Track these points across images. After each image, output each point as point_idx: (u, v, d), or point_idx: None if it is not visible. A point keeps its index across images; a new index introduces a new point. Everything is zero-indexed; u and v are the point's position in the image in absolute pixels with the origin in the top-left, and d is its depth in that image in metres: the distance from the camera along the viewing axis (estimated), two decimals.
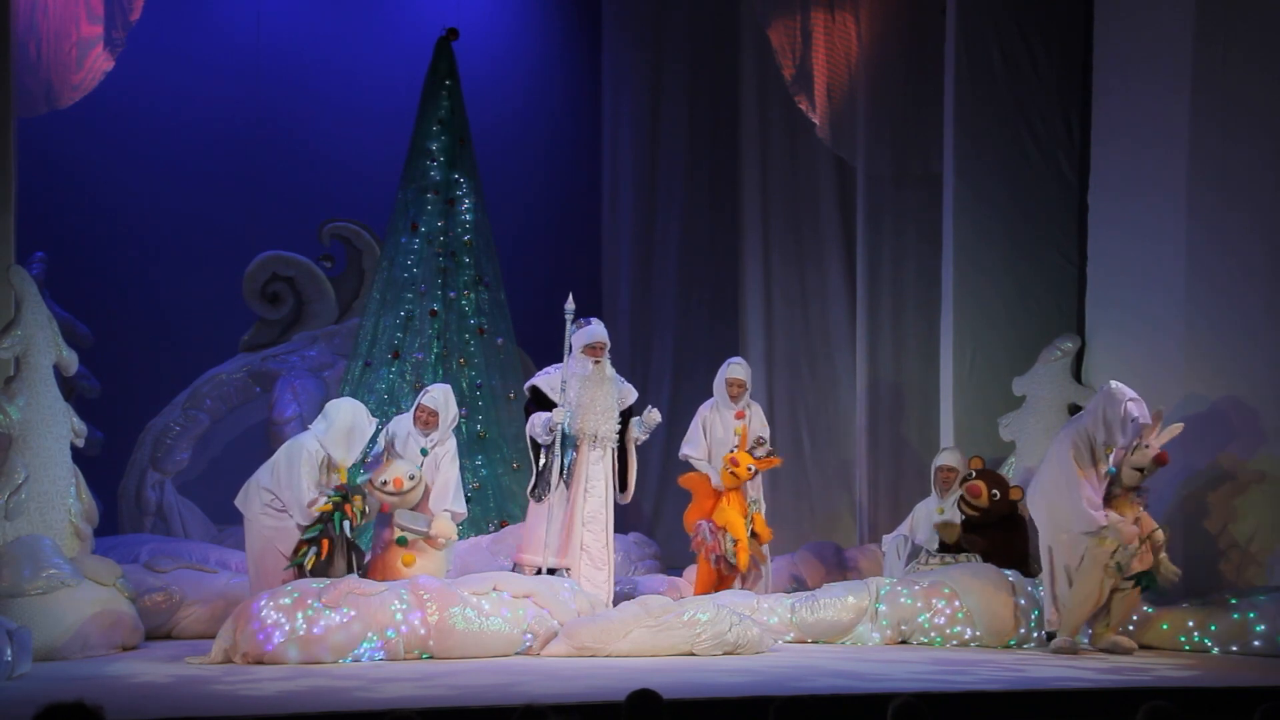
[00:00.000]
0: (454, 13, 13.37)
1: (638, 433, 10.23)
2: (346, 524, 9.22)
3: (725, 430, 10.68)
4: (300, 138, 14.06)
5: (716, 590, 10.21)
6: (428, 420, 9.87)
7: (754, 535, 10.47)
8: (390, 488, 9.55)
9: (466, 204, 12.46)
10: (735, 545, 10.31)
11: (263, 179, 13.93)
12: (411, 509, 9.65)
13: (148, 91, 13.56)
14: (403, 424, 9.97)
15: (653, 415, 10.20)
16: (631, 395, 10.34)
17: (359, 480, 9.65)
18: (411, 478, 9.61)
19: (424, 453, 9.79)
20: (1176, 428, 9.59)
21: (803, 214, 13.82)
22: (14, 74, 10.26)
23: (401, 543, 9.61)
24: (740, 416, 10.72)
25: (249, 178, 13.89)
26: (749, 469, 10.40)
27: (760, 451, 10.52)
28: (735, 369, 10.87)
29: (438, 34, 12.64)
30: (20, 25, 10.59)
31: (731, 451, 10.47)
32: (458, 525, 9.95)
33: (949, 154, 11.80)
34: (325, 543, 9.14)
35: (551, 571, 9.84)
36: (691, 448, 10.74)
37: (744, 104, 14.10)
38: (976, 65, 11.70)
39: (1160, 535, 9.50)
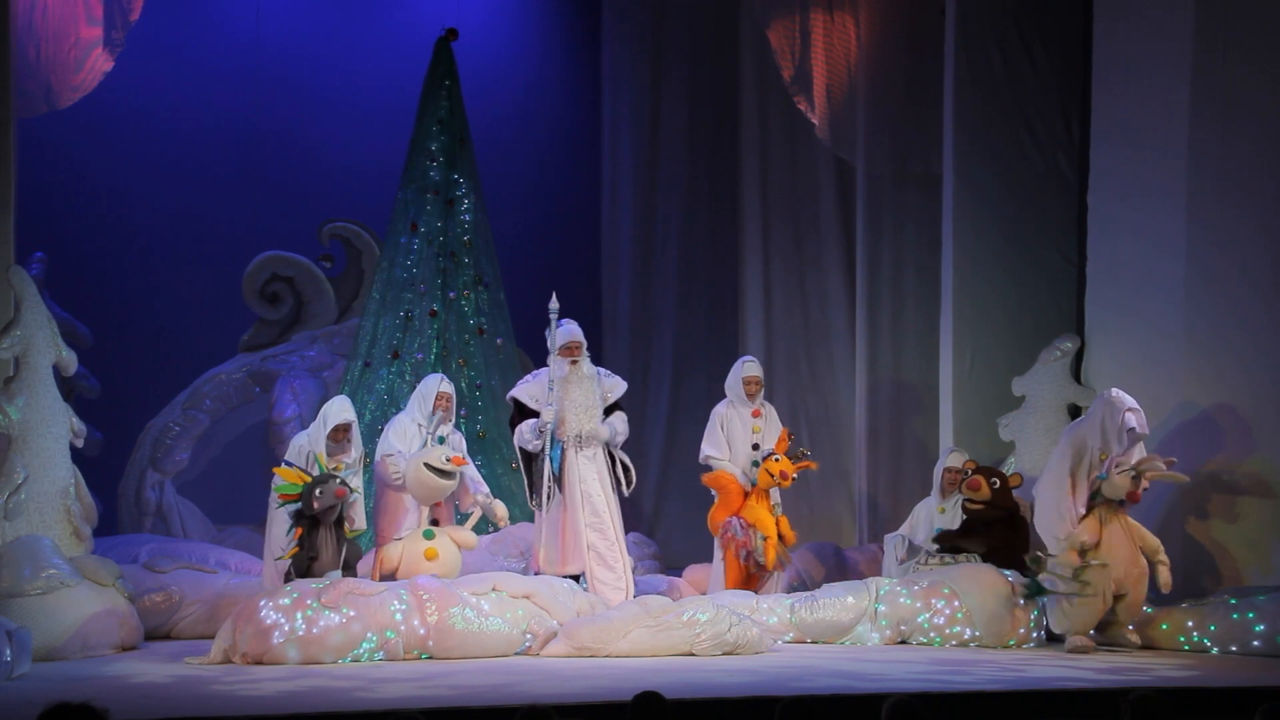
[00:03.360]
0: (454, 13, 13.37)
1: (605, 435, 10.20)
2: (311, 502, 9.12)
3: (744, 429, 10.68)
4: (300, 138, 14.06)
5: (748, 588, 10.25)
6: (448, 406, 10.00)
7: (780, 537, 10.49)
8: (453, 465, 9.60)
9: (466, 204, 12.46)
10: (765, 542, 10.32)
11: (263, 179, 13.92)
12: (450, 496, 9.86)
13: (148, 91, 13.55)
14: (406, 423, 9.97)
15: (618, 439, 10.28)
16: (619, 387, 10.35)
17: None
18: (472, 478, 9.82)
19: (441, 440, 9.84)
20: (1180, 478, 9.68)
21: (803, 214, 13.83)
22: (14, 75, 10.28)
23: (429, 535, 9.64)
24: (757, 415, 10.72)
25: (249, 178, 13.89)
26: (793, 476, 10.42)
27: (798, 453, 10.55)
28: (751, 367, 10.88)
29: (437, 34, 12.64)
30: (20, 26, 10.60)
31: (776, 459, 10.43)
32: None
33: (949, 154, 11.80)
34: (298, 530, 9.12)
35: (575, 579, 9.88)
36: (713, 448, 10.72)
37: (744, 104, 14.10)
38: (976, 65, 11.69)
39: (1160, 558, 9.61)
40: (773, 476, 10.38)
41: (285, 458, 9.60)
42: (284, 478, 9.23)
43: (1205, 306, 10.42)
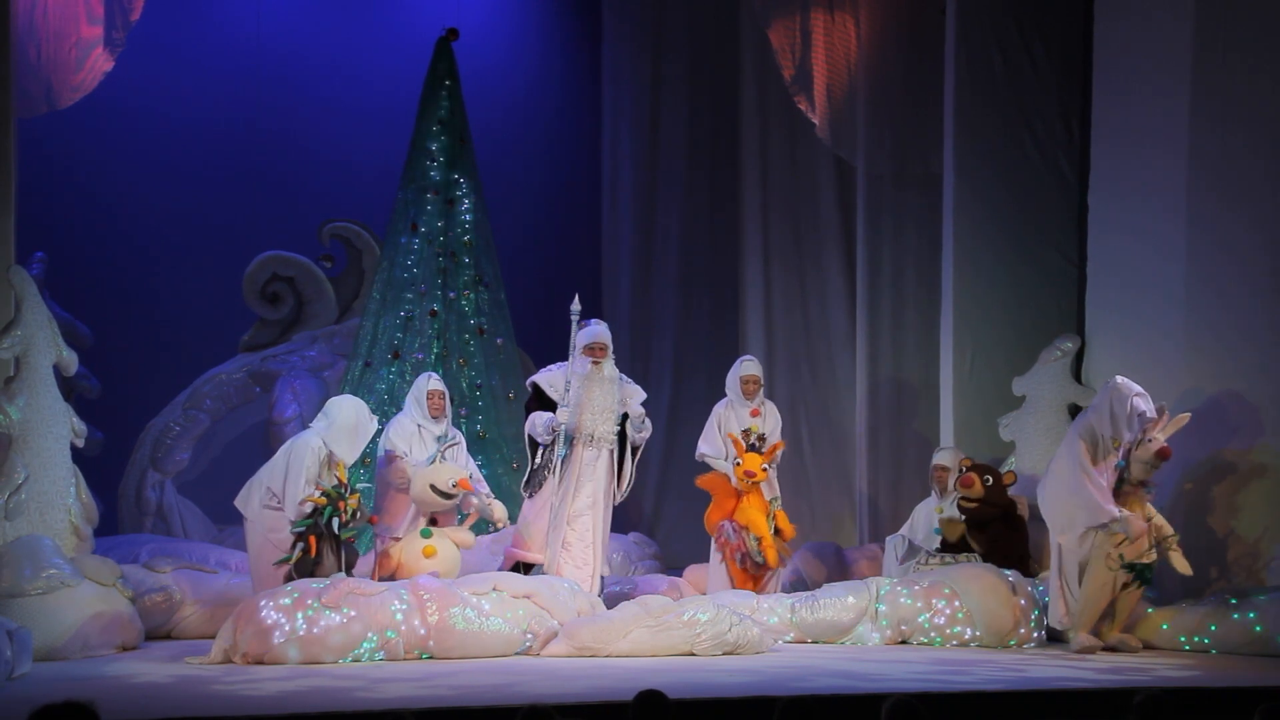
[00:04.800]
0: (454, 13, 13.38)
1: (632, 433, 10.24)
2: (335, 520, 9.15)
3: (741, 428, 10.68)
4: (300, 138, 14.07)
5: (753, 588, 10.26)
6: (440, 405, 9.97)
7: (778, 532, 10.47)
8: (458, 489, 9.65)
9: (466, 204, 12.46)
10: (760, 543, 10.30)
11: (263, 179, 13.93)
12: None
13: (148, 91, 13.56)
14: (406, 424, 9.96)
15: (642, 433, 10.27)
16: (637, 395, 10.32)
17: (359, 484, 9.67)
18: (472, 476, 9.84)
19: (440, 441, 9.83)
20: (1183, 418, 9.61)
21: (803, 214, 13.84)
22: (14, 75, 10.28)
23: (426, 534, 9.64)
24: (755, 414, 10.71)
25: (249, 178, 13.90)
26: (763, 468, 10.39)
27: (754, 442, 10.48)
28: (750, 366, 10.86)
29: (438, 34, 12.64)
30: (20, 26, 10.61)
31: (737, 464, 10.42)
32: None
33: (949, 154, 11.81)
34: (312, 539, 9.10)
35: (529, 568, 9.89)
36: (709, 447, 10.70)
37: (744, 104, 14.11)
38: (976, 65, 11.70)
39: (1171, 540, 9.53)
40: (747, 478, 10.35)
41: (302, 462, 9.39)
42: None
43: (1205, 306, 10.43)
